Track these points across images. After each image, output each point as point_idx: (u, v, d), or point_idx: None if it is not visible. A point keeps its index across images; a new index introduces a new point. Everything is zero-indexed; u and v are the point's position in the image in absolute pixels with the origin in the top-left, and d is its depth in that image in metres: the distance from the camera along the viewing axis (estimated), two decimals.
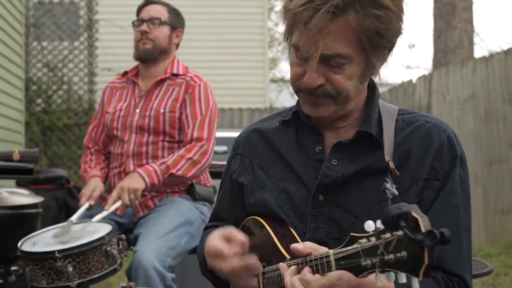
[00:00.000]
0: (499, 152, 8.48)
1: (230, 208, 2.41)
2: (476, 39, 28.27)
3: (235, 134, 6.70)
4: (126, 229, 3.98)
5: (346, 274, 1.78)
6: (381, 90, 17.25)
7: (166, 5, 4.25)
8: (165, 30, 4.18)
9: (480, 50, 35.63)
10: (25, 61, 11.48)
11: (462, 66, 9.63)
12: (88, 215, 3.80)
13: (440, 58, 12.83)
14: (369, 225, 1.63)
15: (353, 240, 1.67)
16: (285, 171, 2.20)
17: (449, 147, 2.07)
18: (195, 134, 3.98)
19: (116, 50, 12.31)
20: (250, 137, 2.34)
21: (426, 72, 11.46)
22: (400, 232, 1.54)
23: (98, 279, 3.32)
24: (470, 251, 2.08)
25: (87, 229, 3.49)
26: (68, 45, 12.69)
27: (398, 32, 2.00)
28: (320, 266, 1.77)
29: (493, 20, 43.62)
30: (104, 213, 3.65)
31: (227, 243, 2.09)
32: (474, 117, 9.08)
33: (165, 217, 3.86)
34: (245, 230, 2.27)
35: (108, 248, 3.32)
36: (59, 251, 3.21)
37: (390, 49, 2.04)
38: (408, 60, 48.37)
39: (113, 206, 3.71)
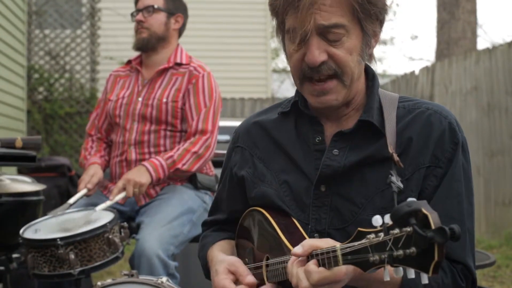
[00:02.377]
0: (501, 144, 8.47)
1: (229, 201, 2.41)
2: (479, 31, 28.25)
3: (236, 123, 6.69)
4: (128, 217, 3.98)
5: (351, 268, 1.78)
6: (383, 81, 17.28)
7: None
8: (160, 17, 4.16)
9: (483, 42, 35.56)
10: (27, 49, 11.46)
11: (465, 58, 9.62)
12: (91, 203, 3.81)
13: (443, 49, 12.81)
14: (377, 220, 1.62)
15: (361, 235, 1.66)
16: (285, 163, 2.19)
17: (450, 133, 2.06)
18: (200, 126, 3.97)
19: (118, 39, 12.29)
20: (250, 129, 2.34)
21: (428, 64, 11.45)
22: (409, 228, 1.52)
23: (100, 266, 3.33)
24: (473, 239, 2.08)
25: (89, 217, 3.49)
26: (71, 33, 12.67)
27: (385, 3, 2.05)
28: (326, 260, 1.76)
29: (497, 12, 43.55)
30: (108, 203, 3.66)
31: (235, 281, 2.13)
32: (477, 109, 9.07)
33: (167, 206, 3.86)
34: (248, 221, 2.28)
35: (110, 236, 3.32)
36: (61, 238, 3.22)
37: (381, 23, 2.07)
38: (411, 52, 48.35)
39: (117, 197, 3.72)
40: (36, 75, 12.27)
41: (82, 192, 3.82)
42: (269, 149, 2.25)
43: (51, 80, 12.33)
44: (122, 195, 3.75)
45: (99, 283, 2.83)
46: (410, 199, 1.57)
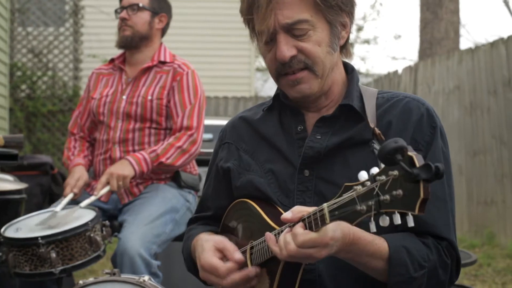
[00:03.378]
0: (483, 143, 8.51)
1: (215, 196, 2.42)
2: (462, 30, 28.38)
3: (220, 122, 6.71)
4: (110, 215, 3.95)
5: (340, 232, 1.81)
6: (366, 80, 17.30)
7: None
8: (144, 16, 4.15)
9: (465, 42, 35.73)
10: (10, 47, 11.39)
11: (448, 57, 9.66)
12: (75, 201, 3.79)
13: (426, 49, 12.85)
14: (362, 175, 1.66)
15: (348, 189, 1.70)
16: (270, 153, 2.23)
17: (428, 118, 2.12)
18: (185, 123, 3.97)
19: (101, 37, 12.25)
20: (236, 124, 2.39)
21: (412, 63, 11.49)
22: (395, 172, 1.56)
23: (82, 265, 3.33)
24: (454, 218, 2.12)
25: (70, 216, 3.48)
26: (54, 31, 12.62)
27: None
28: (313, 222, 1.79)
29: (480, 12, 43.75)
30: (92, 198, 3.66)
31: (222, 258, 2.12)
32: (459, 108, 9.11)
33: (150, 205, 3.85)
34: (232, 213, 2.30)
35: (91, 235, 3.32)
36: (42, 237, 3.21)
37: (349, 13, 2.14)
38: (394, 51, 48.49)
39: (101, 191, 3.72)
40: (19, 73, 12.21)
41: (68, 197, 3.79)
42: (255, 142, 2.29)
43: (33, 78, 12.28)
44: (106, 189, 3.74)
45: (81, 282, 2.83)
46: (397, 138, 1.61)
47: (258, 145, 2.28)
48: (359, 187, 1.65)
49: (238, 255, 2.09)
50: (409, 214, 1.57)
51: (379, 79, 12.42)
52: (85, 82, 4.40)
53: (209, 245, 2.16)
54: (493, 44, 8.43)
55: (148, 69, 4.11)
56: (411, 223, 1.58)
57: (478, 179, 8.64)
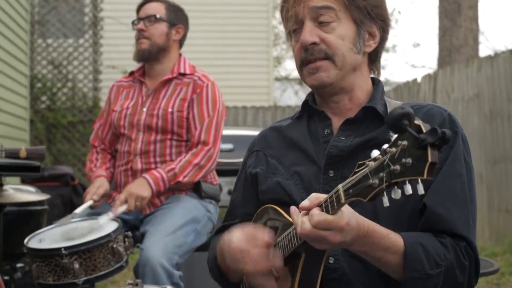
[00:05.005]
0: (503, 151, 8.47)
1: (243, 204, 2.46)
2: (481, 38, 28.25)
3: (239, 132, 6.72)
4: (132, 226, 3.98)
5: (355, 222, 1.84)
6: (386, 89, 17.28)
7: (165, 2, 4.22)
8: (161, 27, 4.16)
9: (485, 49, 35.60)
10: (30, 59, 11.47)
11: (467, 65, 9.62)
12: (95, 213, 3.81)
13: (445, 56, 12.81)
14: (374, 153, 1.70)
15: (361, 166, 1.74)
16: (297, 156, 2.28)
17: (450, 123, 2.16)
18: (202, 137, 3.98)
19: (120, 48, 12.30)
20: (265, 134, 2.46)
21: (431, 71, 11.46)
22: (404, 142, 1.59)
23: (104, 276, 3.34)
24: (475, 222, 2.12)
25: (93, 227, 3.50)
26: (73, 43, 12.68)
27: (379, 3, 2.23)
28: (330, 205, 1.81)
29: (498, 19, 43.56)
30: (110, 215, 3.66)
31: (251, 243, 2.12)
32: (479, 116, 9.07)
33: (171, 215, 3.87)
34: (259, 218, 2.32)
35: (114, 245, 3.33)
36: (66, 248, 3.23)
37: (380, 28, 2.24)
38: (413, 59, 48.27)
39: (119, 209, 3.74)
40: (39, 85, 12.28)
41: (88, 203, 3.83)
42: (283, 147, 2.35)
43: (53, 89, 12.35)
44: (123, 208, 3.76)
45: None
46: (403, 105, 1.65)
47: (285, 150, 2.33)
48: (371, 163, 1.69)
49: (266, 236, 2.11)
50: (419, 181, 1.58)
51: (398, 87, 12.38)
52: (105, 93, 4.43)
53: (235, 234, 2.18)
54: None
55: (168, 81, 4.13)
56: (421, 190, 1.59)
57: (499, 187, 8.59)
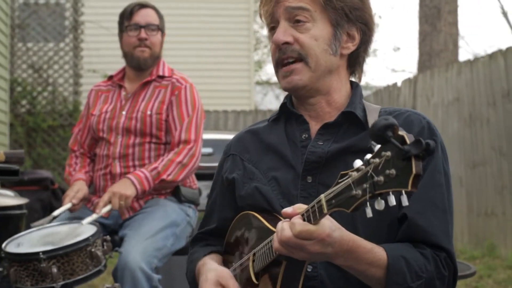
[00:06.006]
0: (483, 155, 8.52)
1: (219, 209, 2.44)
2: (461, 42, 28.39)
3: (220, 136, 6.73)
4: (111, 230, 3.97)
5: (338, 236, 1.83)
6: (366, 93, 17.33)
7: (155, 9, 4.19)
8: (159, 36, 4.16)
9: (465, 54, 35.82)
10: (10, 62, 11.43)
11: (447, 69, 9.68)
12: (76, 217, 3.81)
13: (425, 61, 12.88)
14: (357, 163, 1.68)
15: (343, 176, 1.72)
16: (274, 161, 2.26)
17: (429, 131, 2.16)
18: (183, 136, 3.98)
19: (101, 52, 12.29)
20: (241, 137, 2.43)
21: (411, 75, 11.51)
22: (388, 153, 1.58)
23: (83, 280, 3.33)
24: (452, 231, 2.14)
25: (72, 231, 3.49)
26: (54, 47, 12.66)
27: (357, 4, 2.21)
28: (312, 214, 1.80)
29: (478, 24, 43.84)
30: (94, 216, 3.66)
31: None
32: (459, 120, 9.13)
33: (151, 219, 3.86)
34: (236, 226, 2.31)
35: (92, 249, 3.33)
36: (44, 252, 3.22)
37: (360, 30, 2.22)
38: (393, 63, 48.55)
39: (103, 209, 3.73)
40: (19, 88, 12.24)
41: (66, 205, 3.81)
42: (259, 151, 2.32)
43: (34, 93, 12.31)
44: (108, 208, 3.75)
45: None
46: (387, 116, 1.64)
47: (262, 154, 2.31)
48: (354, 173, 1.67)
49: None
50: (403, 193, 1.57)
51: (379, 91, 12.43)
52: (85, 97, 4.40)
53: (213, 277, 2.19)
54: (492, 56, 8.45)
55: (147, 84, 4.12)
56: (405, 202, 1.58)
57: (478, 191, 8.65)
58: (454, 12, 12.94)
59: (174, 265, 4.40)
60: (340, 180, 1.72)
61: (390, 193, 1.59)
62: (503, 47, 8.21)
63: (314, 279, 2.07)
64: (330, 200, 1.74)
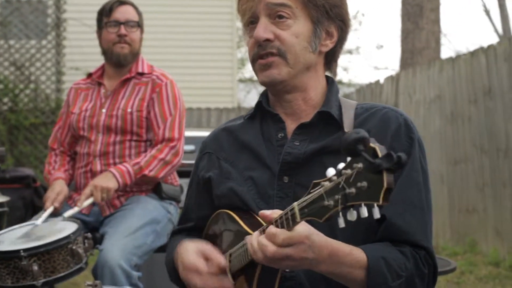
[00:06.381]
0: (464, 152, 8.56)
1: (196, 207, 2.44)
2: (444, 40, 28.55)
3: (202, 133, 6.72)
4: (92, 227, 3.97)
5: (316, 238, 1.83)
6: (348, 90, 17.34)
7: (134, 6, 4.20)
8: (138, 33, 4.17)
9: (447, 51, 35.92)
10: None
11: (429, 67, 9.71)
12: (56, 214, 3.80)
13: (407, 58, 12.91)
14: (330, 172, 1.67)
15: (316, 186, 1.71)
16: (250, 160, 2.25)
17: (406, 128, 2.15)
18: (167, 134, 3.99)
19: (84, 49, 12.24)
20: (217, 135, 2.41)
21: (393, 73, 11.53)
22: (360, 165, 1.57)
23: (64, 277, 3.32)
24: (431, 229, 2.14)
25: (52, 228, 3.49)
26: (36, 44, 12.59)
27: (338, 2, 2.20)
28: (285, 222, 1.80)
29: (461, 21, 44.03)
30: (76, 209, 3.68)
31: (205, 260, 2.13)
32: (440, 117, 9.16)
33: (131, 216, 3.86)
34: (213, 225, 2.31)
35: (73, 247, 3.32)
36: (24, 250, 3.21)
37: (339, 27, 2.21)
38: (376, 61, 48.64)
39: (85, 202, 3.74)
40: (1, 86, 12.17)
41: (49, 210, 3.80)
42: (235, 150, 2.31)
43: (16, 90, 12.24)
44: (89, 201, 3.76)
45: None
46: (359, 129, 1.61)
47: (238, 153, 2.30)
48: (326, 183, 1.66)
49: (222, 260, 2.11)
50: (375, 205, 1.57)
51: (361, 89, 12.46)
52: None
53: (193, 247, 2.17)
54: (473, 54, 8.49)
55: (127, 81, 4.12)
56: (377, 215, 1.58)
57: (460, 188, 8.69)
58: (436, 10, 12.98)
59: (155, 262, 4.39)
60: (312, 190, 1.72)
61: (362, 204, 1.59)
62: (485, 44, 8.25)
63: (292, 279, 2.07)
64: (303, 209, 1.73)
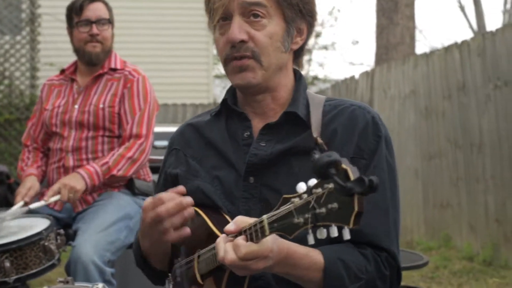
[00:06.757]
0: (438, 147, 8.61)
1: None
2: (419, 36, 28.66)
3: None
4: (65, 224, 3.96)
5: (276, 246, 1.82)
6: (324, 86, 17.33)
7: (104, 2, 4.17)
8: (110, 30, 4.14)
9: (423, 47, 36.10)
10: None
11: (404, 62, 9.75)
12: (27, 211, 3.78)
13: (382, 54, 12.96)
14: (301, 187, 1.65)
15: (286, 201, 1.69)
16: (217, 159, 2.23)
17: (373, 127, 2.14)
18: (134, 131, 3.98)
19: (58, 45, 12.14)
20: (184, 131, 2.38)
21: (368, 68, 11.57)
22: (331, 185, 1.55)
23: (36, 274, 3.31)
24: (398, 228, 2.14)
25: (24, 224, 3.47)
26: (10, 40, 12.51)
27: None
28: (254, 233, 1.78)
29: (436, 17, 44.27)
30: (42, 202, 3.67)
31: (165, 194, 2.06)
32: (415, 113, 9.20)
33: (104, 212, 3.85)
34: None
35: (46, 243, 3.31)
36: None
37: (308, 24, 2.19)
38: (351, 57, 48.77)
39: (52, 198, 3.72)
40: None
41: (18, 205, 3.78)
42: (202, 148, 2.29)
43: None
44: (56, 197, 3.74)
45: None
46: (331, 151, 1.59)
47: (205, 151, 2.28)
48: (296, 199, 1.65)
49: (181, 188, 2.07)
50: (345, 227, 1.57)
51: (336, 84, 12.49)
52: None
53: (148, 199, 2.10)
54: (447, 49, 8.53)
55: (100, 77, 4.11)
56: (347, 236, 1.58)
57: (434, 183, 8.73)
58: (411, 5, 13.03)
59: (129, 258, 4.37)
60: (282, 206, 1.70)
61: (333, 225, 1.58)
62: (459, 40, 8.30)
63: (261, 279, 2.06)
64: (272, 223, 1.71)
